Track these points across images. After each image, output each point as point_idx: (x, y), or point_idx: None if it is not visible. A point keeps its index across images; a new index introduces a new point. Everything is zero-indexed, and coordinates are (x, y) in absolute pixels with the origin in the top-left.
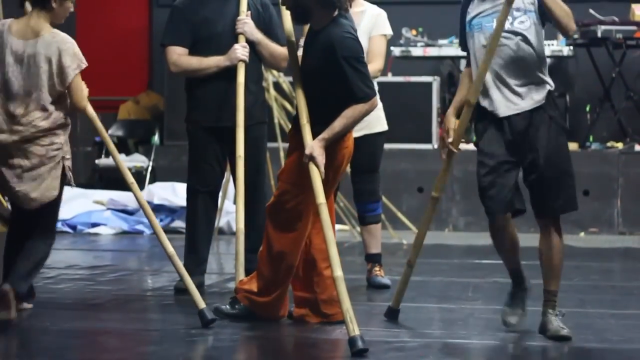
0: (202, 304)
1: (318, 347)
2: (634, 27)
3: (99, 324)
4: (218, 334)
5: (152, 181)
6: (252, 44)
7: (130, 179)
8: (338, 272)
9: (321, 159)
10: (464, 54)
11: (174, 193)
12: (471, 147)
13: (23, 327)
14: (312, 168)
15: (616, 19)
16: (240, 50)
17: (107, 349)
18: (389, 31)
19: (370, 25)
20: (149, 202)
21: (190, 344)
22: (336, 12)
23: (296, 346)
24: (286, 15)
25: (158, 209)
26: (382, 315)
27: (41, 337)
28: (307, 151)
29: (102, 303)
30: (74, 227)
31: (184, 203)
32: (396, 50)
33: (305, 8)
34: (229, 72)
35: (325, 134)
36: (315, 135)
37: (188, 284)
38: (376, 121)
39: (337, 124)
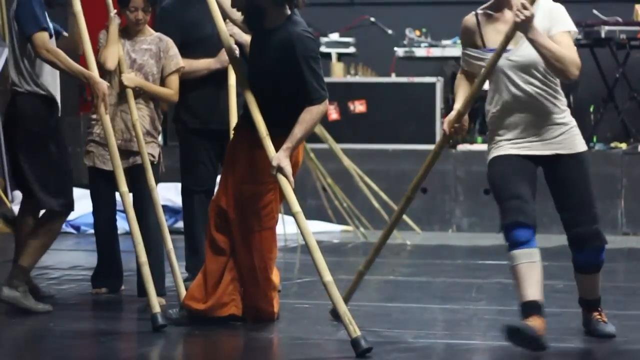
0: (156, 309)
1: (321, 348)
2: (637, 28)
3: (102, 325)
4: (219, 335)
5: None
6: (241, 46)
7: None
8: (327, 277)
9: (289, 168)
10: None
11: (178, 194)
12: (474, 147)
13: (26, 327)
14: (282, 179)
15: (620, 19)
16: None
17: (111, 349)
18: (572, 27)
19: (546, 22)
20: None
21: (193, 345)
22: (289, 10)
23: (299, 346)
24: (221, 21)
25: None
26: (385, 315)
27: (44, 338)
28: (274, 163)
29: (105, 304)
30: (77, 228)
31: None
32: (400, 51)
33: (259, 7)
34: (220, 75)
35: (289, 143)
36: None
37: (148, 287)
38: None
39: (298, 131)
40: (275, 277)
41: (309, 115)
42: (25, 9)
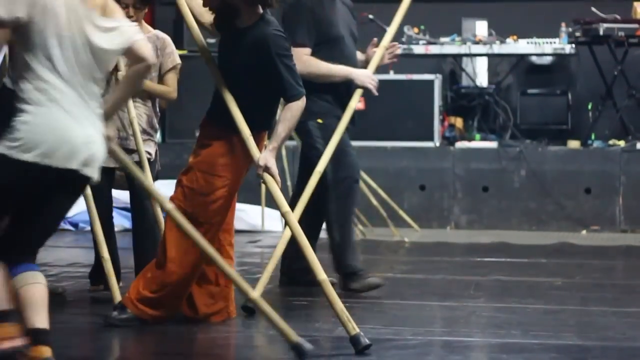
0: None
1: (319, 345)
2: (636, 25)
3: (100, 322)
4: (219, 332)
5: (154, 179)
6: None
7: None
8: (322, 275)
9: (275, 168)
10: (466, 51)
11: None
12: (472, 144)
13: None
14: (269, 178)
15: (618, 16)
16: (371, 82)
17: (110, 346)
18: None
19: None
20: None
21: (193, 341)
22: (261, 10)
23: None
24: (192, 22)
25: None
26: (383, 313)
27: None
28: (261, 162)
29: (104, 301)
30: (75, 225)
31: None
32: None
33: (233, 7)
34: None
35: (275, 143)
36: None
37: (111, 284)
38: None
39: (281, 130)
40: (211, 272)
41: (290, 113)
42: None
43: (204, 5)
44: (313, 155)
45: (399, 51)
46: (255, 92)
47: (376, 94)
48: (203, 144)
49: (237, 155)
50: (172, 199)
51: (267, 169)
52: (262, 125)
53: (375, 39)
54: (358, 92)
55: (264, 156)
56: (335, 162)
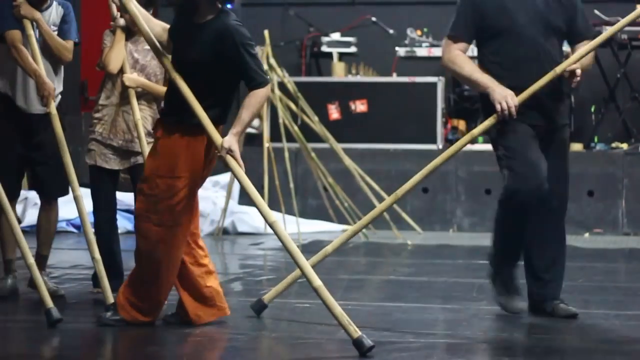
0: (49, 304)
1: (322, 347)
2: (639, 28)
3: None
4: (222, 334)
5: None
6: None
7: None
8: (316, 282)
9: (238, 152)
10: (469, 54)
11: None
12: (475, 147)
13: (27, 326)
14: (232, 162)
15: (621, 19)
16: (503, 105)
17: (111, 349)
18: None
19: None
20: None
21: (193, 344)
22: (219, 4)
23: (300, 346)
24: (145, 27)
25: None
26: (386, 315)
27: (46, 337)
28: (225, 145)
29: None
30: (78, 227)
31: None
32: (401, 51)
33: (194, 1)
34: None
35: (238, 127)
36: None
37: (38, 283)
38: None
39: (245, 115)
40: (198, 276)
41: (255, 99)
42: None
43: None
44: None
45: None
46: (215, 87)
47: (502, 118)
48: (159, 145)
49: (195, 153)
50: (136, 208)
51: (230, 151)
52: (219, 120)
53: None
54: (488, 122)
55: (228, 139)
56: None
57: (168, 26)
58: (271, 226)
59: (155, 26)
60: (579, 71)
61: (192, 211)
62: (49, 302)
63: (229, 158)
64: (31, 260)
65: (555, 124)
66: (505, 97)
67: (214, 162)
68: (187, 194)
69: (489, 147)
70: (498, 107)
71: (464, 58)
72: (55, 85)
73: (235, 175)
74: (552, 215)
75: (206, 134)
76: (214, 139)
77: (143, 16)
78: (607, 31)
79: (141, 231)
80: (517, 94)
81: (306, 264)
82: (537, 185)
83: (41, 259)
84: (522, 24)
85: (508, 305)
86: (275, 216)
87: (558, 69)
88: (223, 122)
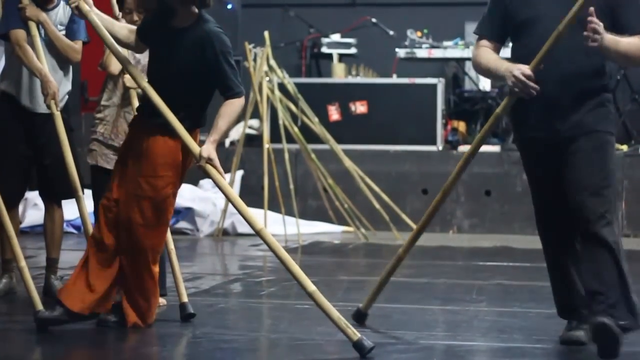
0: (38, 307)
1: (322, 348)
2: None
3: (102, 324)
4: (222, 335)
5: None
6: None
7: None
8: (310, 287)
9: (217, 160)
10: (469, 55)
11: (179, 194)
12: None
13: (25, 327)
14: (211, 170)
15: None
16: (515, 81)
17: (111, 349)
18: None
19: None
20: None
21: (195, 345)
22: (196, 9)
23: (300, 347)
24: (113, 43)
25: None
26: (385, 317)
27: (43, 338)
28: (204, 154)
29: None
30: (78, 228)
31: (188, 204)
32: (401, 52)
33: (170, 7)
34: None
35: (216, 136)
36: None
37: (28, 285)
38: None
39: (222, 124)
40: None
41: (232, 108)
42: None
43: (141, 6)
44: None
45: None
46: (193, 91)
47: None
48: (136, 146)
49: (173, 152)
50: (121, 209)
51: (209, 160)
52: (197, 123)
53: None
54: (505, 100)
55: (206, 148)
56: None
57: (134, 27)
58: (258, 234)
59: (121, 29)
60: (598, 27)
61: (172, 212)
62: (39, 305)
63: (208, 167)
64: (23, 263)
65: (575, 130)
66: (510, 71)
67: (191, 164)
68: (169, 194)
69: (489, 148)
70: (510, 83)
71: (483, 51)
72: (64, 84)
73: (216, 184)
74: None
75: (182, 142)
76: (192, 148)
77: (107, 21)
78: None
79: (125, 229)
80: (537, 96)
81: (298, 270)
82: None
83: (50, 262)
84: (546, 15)
85: None
86: (261, 223)
87: (560, 26)
88: (201, 125)
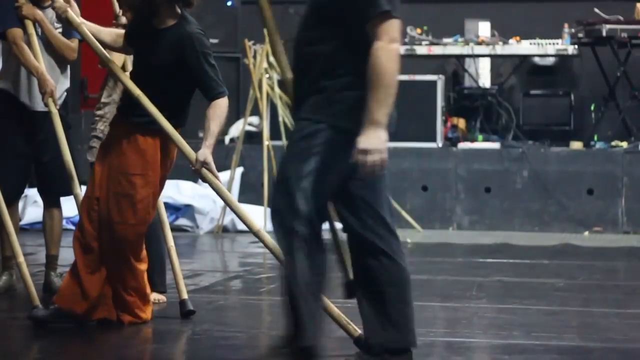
0: (36, 302)
1: (323, 346)
2: (638, 26)
3: (101, 321)
4: (222, 332)
5: None
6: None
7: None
8: None
9: (213, 164)
10: (469, 52)
11: (179, 191)
12: (474, 145)
13: (25, 323)
14: (207, 174)
15: (621, 18)
16: None
17: (110, 346)
18: None
19: None
20: None
21: (194, 342)
22: (179, 10)
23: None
24: (98, 46)
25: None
26: None
27: (43, 334)
28: (200, 158)
29: None
30: None
31: (188, 201)
32: (401, 49)
33: (153, 5)
34: None
35: (211, 140)
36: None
37: (25, 280)
38: None
39: (214, 127)
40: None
41: (220, 110)
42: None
43: (122, 5)
44: None
45: None
46: (173, 91)
47: None
48: (117, 144)
49: (153, 151)
50: (100, 208)
51: (205, 164)
52: (178, 123)
53: None
54: None
55: (203, 152)
56: None
57: (122, 31)
58: (256, 235)
59: (108, 35)
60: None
61: (153, 212)
62: (36, 300)
63: (204, 171)
64: (21, 259)
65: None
66: None
67: (172, 164)
68: (149, 193)
69: (488, 145)
70: None
71: None
72: (61, 82)
73: (213, 188)
74: None
75: (176, 146)
76: (187, 153)
77: (94, 28)
78: None
79: (105, 227)
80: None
81: None
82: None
83: (50, 259)
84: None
85: None
86: (258, 225)
87: None
88: (182, 124)
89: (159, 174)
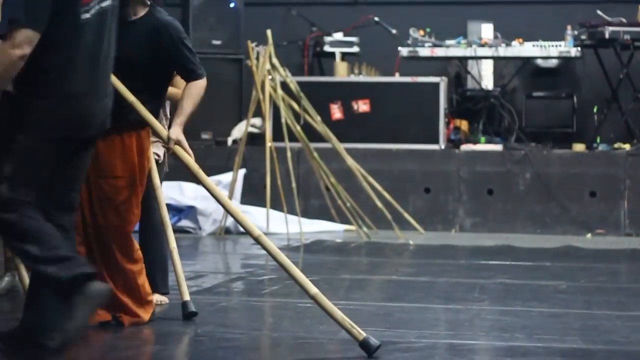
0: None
1: (324, 347)
2: None
3: (103, 323)
4: (224, 334)
5: (161, 180)
6: None
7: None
8: (312, 290)
9: (185, 141)
10: (472, 54)
11: (181, 192)
12: (477, 147)
13: None
14: (180, 151)
15: (624, 20)
16: None
17: (111, 347)
18: None
19: None
20: None
21: (196, 343)
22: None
23: (301, 346)
24: None
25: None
26: (387, 315)
27: None
28: (172, 136)
29: None
30: None
31: (190, 202)
32: (403, 51)
33: None
34: None
35: (182, 117)
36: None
37: (22, 280)
38: None
39: (187, 105)
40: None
41: (195, 90)
42: None
43: None
44: None
45: None
46: (151, 82)
47: None
48: (98, 147)
49: (129, 152)
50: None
51: (178, 142)
52: (153, 114)
53: None
54: None
55: (174, 130)
56: None
57: None
58: (257, 240)
59: None
60: None
61: (138, 213)
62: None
63: (177, 148)
64: None
65: None
66: None
67: (149, 164)
68: (130, 194)
69: (491, 147)
70: None
71: None
72: None
73: (186, 165)
74: None
75: (150, 127)
76: (159, 131)
77: None
78: None
79: (91, 230)
80: None
81: (299, 273)
82: None
83: None
84: None
85: None
86: (259, 230)
87: None
88: (156, 116)
89: (136, 174)
